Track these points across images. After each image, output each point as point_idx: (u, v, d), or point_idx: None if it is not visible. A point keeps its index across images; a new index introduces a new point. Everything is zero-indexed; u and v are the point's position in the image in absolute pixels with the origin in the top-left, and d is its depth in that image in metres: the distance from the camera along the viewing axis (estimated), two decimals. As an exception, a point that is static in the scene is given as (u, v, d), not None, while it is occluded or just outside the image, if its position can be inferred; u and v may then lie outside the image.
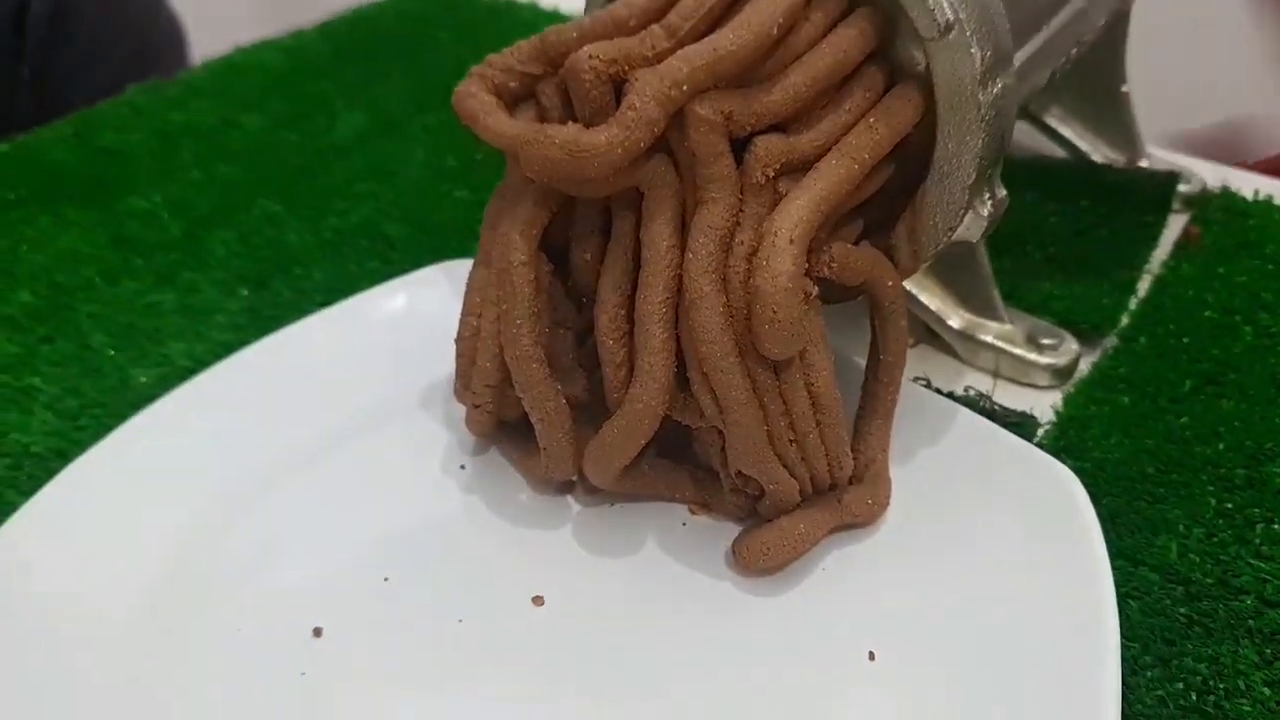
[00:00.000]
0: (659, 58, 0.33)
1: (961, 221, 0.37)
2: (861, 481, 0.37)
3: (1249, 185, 0.57)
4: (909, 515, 0.38)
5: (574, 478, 0.38)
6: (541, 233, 0.36)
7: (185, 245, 0.52)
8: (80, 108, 0.70)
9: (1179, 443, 0.42)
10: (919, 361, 0.47)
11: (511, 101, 0.37)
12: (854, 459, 0.38)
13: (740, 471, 0.35)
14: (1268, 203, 0.56)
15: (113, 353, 0.46)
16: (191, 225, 0.53)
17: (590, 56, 0.33)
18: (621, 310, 0.35)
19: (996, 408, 0.44)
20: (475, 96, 0.36)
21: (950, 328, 0.47)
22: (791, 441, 0.34)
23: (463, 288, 0.39)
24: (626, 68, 0.33)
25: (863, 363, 0.39)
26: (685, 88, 0.32)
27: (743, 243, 0.33)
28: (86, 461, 0.38)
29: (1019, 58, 0.41)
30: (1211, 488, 0.40)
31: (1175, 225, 0.55)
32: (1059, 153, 0.59)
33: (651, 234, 0.34)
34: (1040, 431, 0.43)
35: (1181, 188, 0.57)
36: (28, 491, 0.39)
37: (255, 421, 0.40)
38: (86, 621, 0.34)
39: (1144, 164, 0.58)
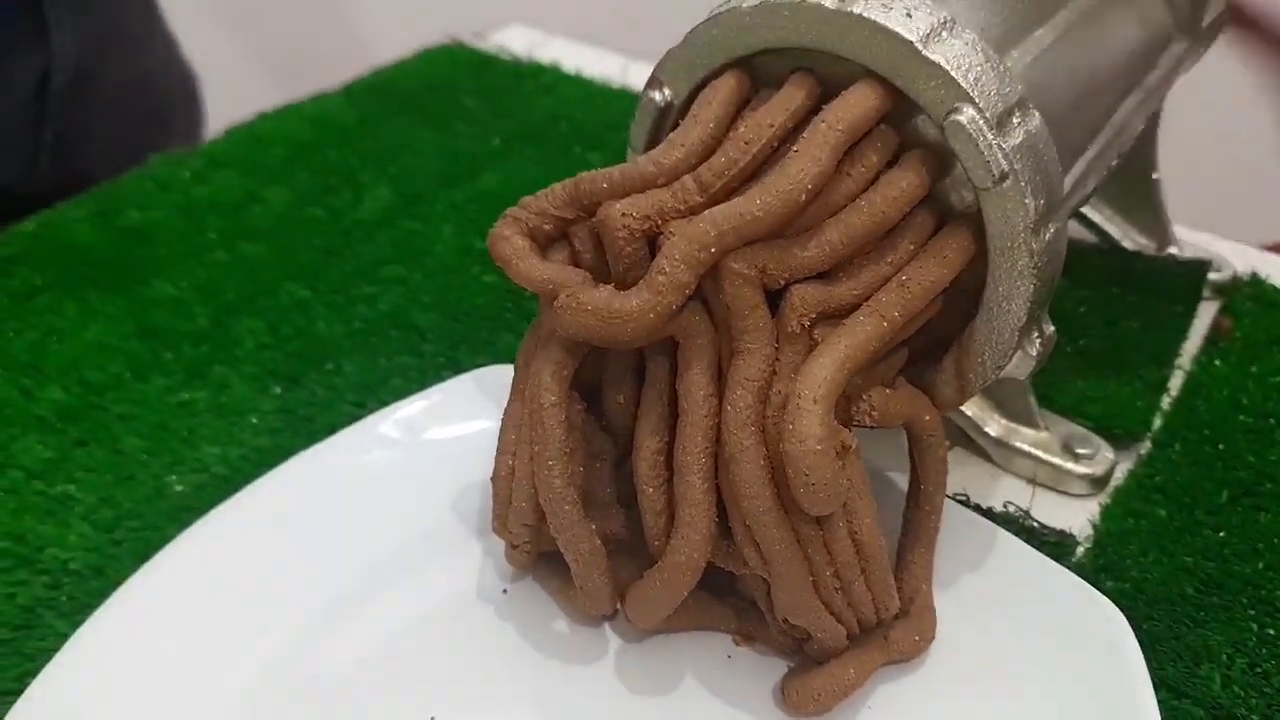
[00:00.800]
0: (691, 211, 0.33)
1: (1010, 360, 0.37)
2: (907, 615, 0.37)
3: (1277, 273, 0.57)
4: (951, 646, 0.38)
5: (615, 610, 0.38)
6: (573, 373, 0.36)
7: (214, 336, 0.52)
8: (99, 165, 0.70)
9: (1218, 560, 0.42)
10: (955, 466, 0.47)
11: (545, 243, 0.37)
12: (899, 589, 0.38)
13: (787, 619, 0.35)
14: (1298, 293, 0.56)
15: (146, 457, 0.45)
16: (219, 313, 0.53)
17: (623, 214, 0.33)
18: (660, 457, 0.35)
19: (1035, 524, 0.44)
20: (509, 240, 0.36)
21: (987, 435, 0.47)
22: (837, 589, 0.34)
23: (492, 396, 0.39)
24: (660, 222, 0.34)
25: (902, 481, 0.39)
26: (714, 250, 0.32)
27: (780, 393, 0.33)
28: (129, 591, 0.37)
29: (1067, 181, 0.41)
30: (1253, 611, 0.41)
31: (1206, 314, 0.55)
32: (1089, 237, 0.59)
33: (688, 384, 0.34)
34: (1079, 550, 0.43)
35: (1212, 275, 0.57)
36: (67, 614, 0.39)
37: (291, 552, 0.39)
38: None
39: (1173, 250, 0.58)
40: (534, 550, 0.37)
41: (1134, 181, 0.57)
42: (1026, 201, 0.34)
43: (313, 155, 0.65)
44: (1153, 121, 0.54)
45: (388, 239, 0.59)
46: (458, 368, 0.50)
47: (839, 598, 0.34)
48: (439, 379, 0.49)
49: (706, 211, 0.33)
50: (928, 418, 0.37)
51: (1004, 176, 0.33)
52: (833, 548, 0.34)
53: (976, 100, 0.33)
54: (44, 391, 0.48)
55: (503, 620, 0.39)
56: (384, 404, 0.47)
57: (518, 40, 0.80)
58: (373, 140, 0.67)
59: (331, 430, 0.45)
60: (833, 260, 0.34)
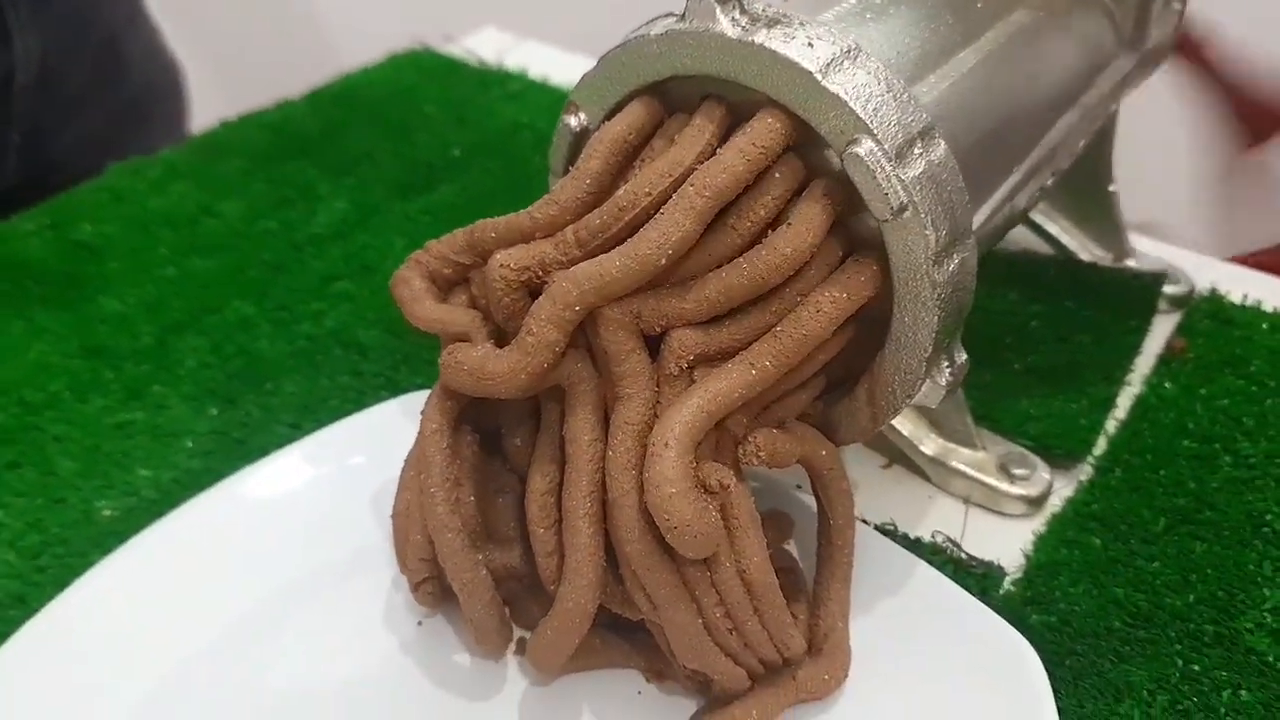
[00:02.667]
0: (572, 263, 0.34)
1: (920, 390, 0.36)
2: (820, 653, 0.37)
3: (1239, 287, 0.56)
4: (863, 682, 0.37)
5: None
6: (463, 405, 0.37)
7: (156, 354, 0.52)
8: (73, 159, 0.70)
9: (1149, 591, 0.42)
10: (892, 484, 0.47)
11: (446, 286, 0.39)
12: (813, 625, 0.38)
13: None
14: (1255, 310, 0.54)
15: (78, 480, 0.46)
16: (163, 331, 0.53)
17: (501, 265, 0.34)
18: (550, 498, 0.35)
19: (963, 555, 0.43)
20: (407, 283, 0.38)
21: (923, 454, 0.46)
22: (731, 630, 0.34)
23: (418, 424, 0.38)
24: (540, 273, 0.34)
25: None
26: (579, 308, 0.33)
27: None
28: (43, 620, 0.37)
29: (986, 208, 0.40)
30: (1179, 646, 0.40)
31: (1162, 327, 0.54)
32: (1045, 248, 0.58)
33: (572, 430, 0.34)
34: (1007, 580, 0.42)
35: (1169, 289, 0.56)
36: (-16, 642, 0.39)
37: (210, 577, 0.39)
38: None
39: (1131, 262, 0.57)
40: (437, 589, 0.37)
41: (1090, 193, 0.56)
42: (927, 233, 0.33)
43: (271, 166, 0.65)
44: (1105, 135, 0.53)
45: (340, 253, 0.58)
46: (396, 389, 0.49)
47: (734, 639, 0.34)
48: (377, 399, 0.49)
49: (570, 270, 0.33)
50: (824, 453, 0.36)
51: (903, 208, 0.33)
52: (721, 589, 0.33)
53: (875, 131, 0.33)
54: (-17, 412, 0.49)
55: (413, 654, 0.39)
56: (321, 425, 0.47)
57: (488, 44, 0.79)
58: (332, 150, 0.67)
59: (264, 453, 0.45)
60: (709, 314, 0.33)
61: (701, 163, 0.34)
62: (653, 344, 0.34)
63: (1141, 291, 0.55)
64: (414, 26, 0.82)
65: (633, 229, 0.33)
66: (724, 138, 0.35)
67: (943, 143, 0.34)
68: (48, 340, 0.52)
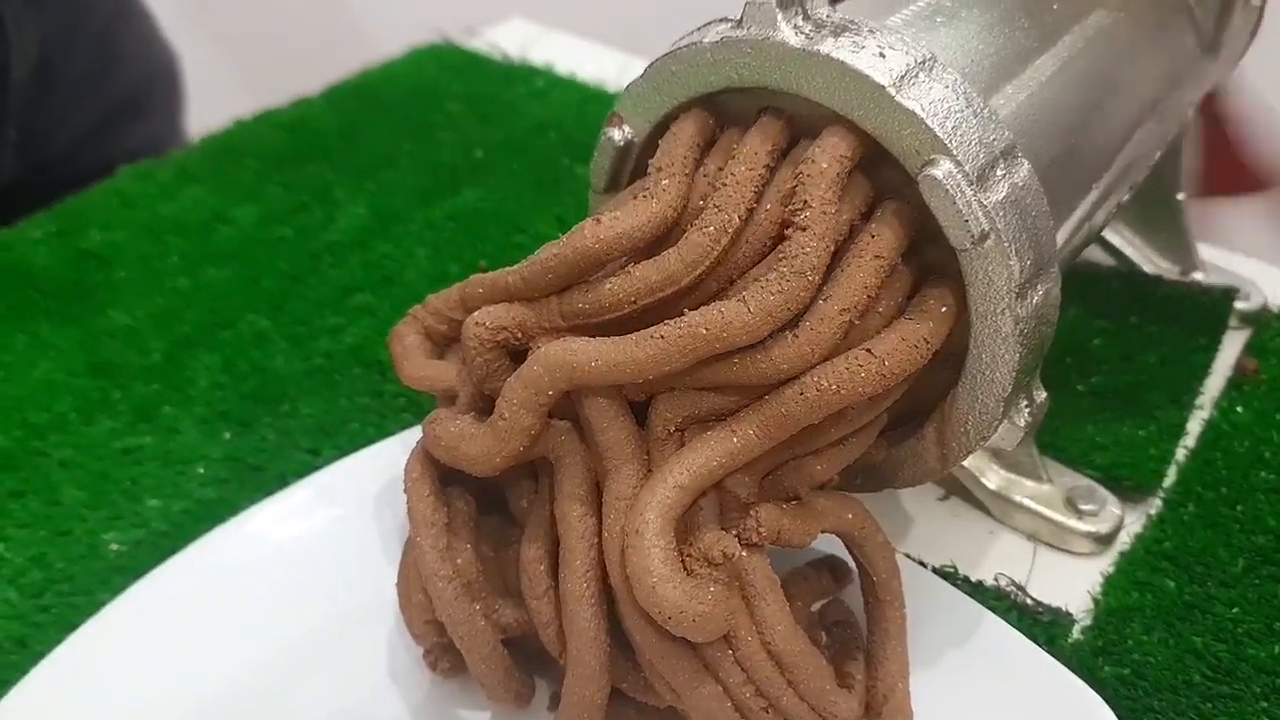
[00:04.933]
0: (555, 331, 0.32)
1: (995, 431, 0.33)
2: (879, 717, 0.34)
3: (1312, 303, 0.53)
4: (929, 744, 0.35)
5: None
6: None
7: (166, 373, 0.49)
8: (68, 154, 0.68)
9: (1230, 641, 0.39)
10: (951, 520, 0.44)
11: (443, 343, 0.39)
12: (871, 687, 0.35)
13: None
14: (1332, 327, 0.51)
15: (85, 511, 0.43)
16: (174, 347, 0.50)
17: (475, 323, 0.33)
18: (541, 566, 0.33)
19: (1029, 601, 0.40)
20: (401, 339, 0.39)
21: (985, 487, 0.43)
22: (766, 709, 0.31)
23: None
24: (519, 334, 0.33)
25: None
26: (550, 392, 0.31)
27: None
28: (45, 670, 0.35)
29: (1068, 224, 0.37)
30: (1265, 703, 0.37)
31: (1231, 346, 0.51)
32: (1107, 259, 0.55)
33: (561, 509, 0.32)
34: (1076, 629, 0.39)
35: (1239, 305, 0.52)
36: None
37: (221, 623, 0.37)
38: None
39: (1198, 275, 0.54)
40: (454, 659, 0.35)
41: (1156, 202, 0.53)
42: (1011, 263, 0.30)
43: (287, 169, 0.62)
44: (1176, 141, 0.50)
45: (359, 263, 0.56)
46: (419, 410, 0.47)
47: (770, 717, 0.31)
48: (399, 421, 0.47)
49: (544, 351, 0.31)
50: (850, 517, 0.33)
51: (984, 236, 0.30)
52: (746, 666, 0.30)
53: (954, 152, 0.30)
54: (-16, 435, 0.46)
55: (432, 707, 0.36)
56: (340, 451, 0.44)
57: (512, 36, 0.76)
58: (351, 152, 0.64)
59: (282, 480, 0.43)
60: (694, 385, 0.31)
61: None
62: (642, 409, 0.32)
63: (1211, 307, 0.52)
64: (434, 16, 0.79)
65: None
66: (783, 154, 0.33)
67: (1026, 163, 0.31)
68: (53, 357, 0.50)
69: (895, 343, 0.31)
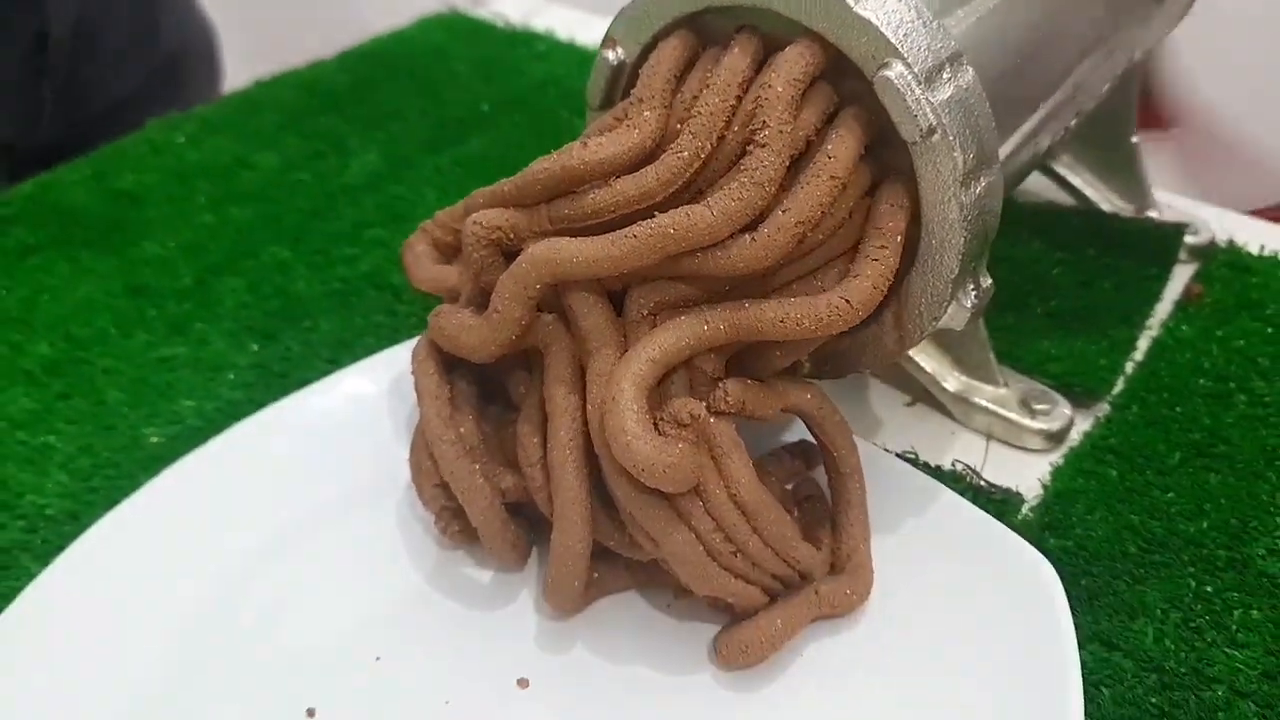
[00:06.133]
0: (543, 235, 0.36)
1: (945, 312, 0.37)
2: (842, 571, 0.38)
3: (1255, 239, 0.57)
4: (887, 600, 0.39)
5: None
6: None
7: (197, 294, 0.53)
8: (105, 122, 0.71)
9: (1164, 519, 0.43)
10: (915, 421, 0.48)
11: (450, 253, 0.44)
12: (836, 547, 0.39)
13: (700, 591, 0.36)
14: (1273, 259, 0.55)
15: (126, 409, 0.47)
16: (203, 273, 0.55)
17: (474, 223, 0.38)
18: (534, 438, 0.38)
19: (983, 483, 0.44)
20: (411, 249, 0.44)
21: (946, 390, 0.47)
22: (734, 553, 0.35)
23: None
24: (511, 235, 0.37)
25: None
26: (539, 286, 0.35)
27: None
28: (93, 537, 0.39)
29: (1012, 141, 0.41)
30: (1192, 569, 0.41)
31: (1181, 277, 0.55)
32: (1068, 199, 0.59)
33: (549, 389, 0.37)
34: (1025, 508, 0.43)
35: (1189, 239, 0.56)
36: (41, 556, 0.41)
37: (253, 498, 0.41)
38: (89, 693, 0.35)
39: (1153, 214, 0.58)
40: (463, 525, 0.39)
41: (1112, 145, 0.57)
42: (955, 155, 0.34)
43: (304, 121, 0.66)
44: (1129, 85, 0.54)
45: (372, 203, 0.60)
46: (430, 326, 0.51)
47: (740, 561, 0.35)
48: (411, 336, 0.51)
49: (533, 250, 0.35)
50: (809, 397, 0.38)
51: (932, 131, 0.34)
52: (716, 515, 0.35)
53: (905, 55, 0.34)
54: (32, 346, 0.50)
55: (454, 571, 0.40)
56: (358, 360, 0.48)
57: (516, 7, 0.81)
58: (363, 106, 0.68)
59: (304, 385, 0.46)
60: (665, 277, 0.36)
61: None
62: (620, 300, 0.36)
63: (1162, 241, 0.56)
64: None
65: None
66: (759, 68, 0.37)
67: (970, 70, 0.35)
68: (93, 281, 0.54)
69: (868, 291, 0.35)
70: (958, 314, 0.38)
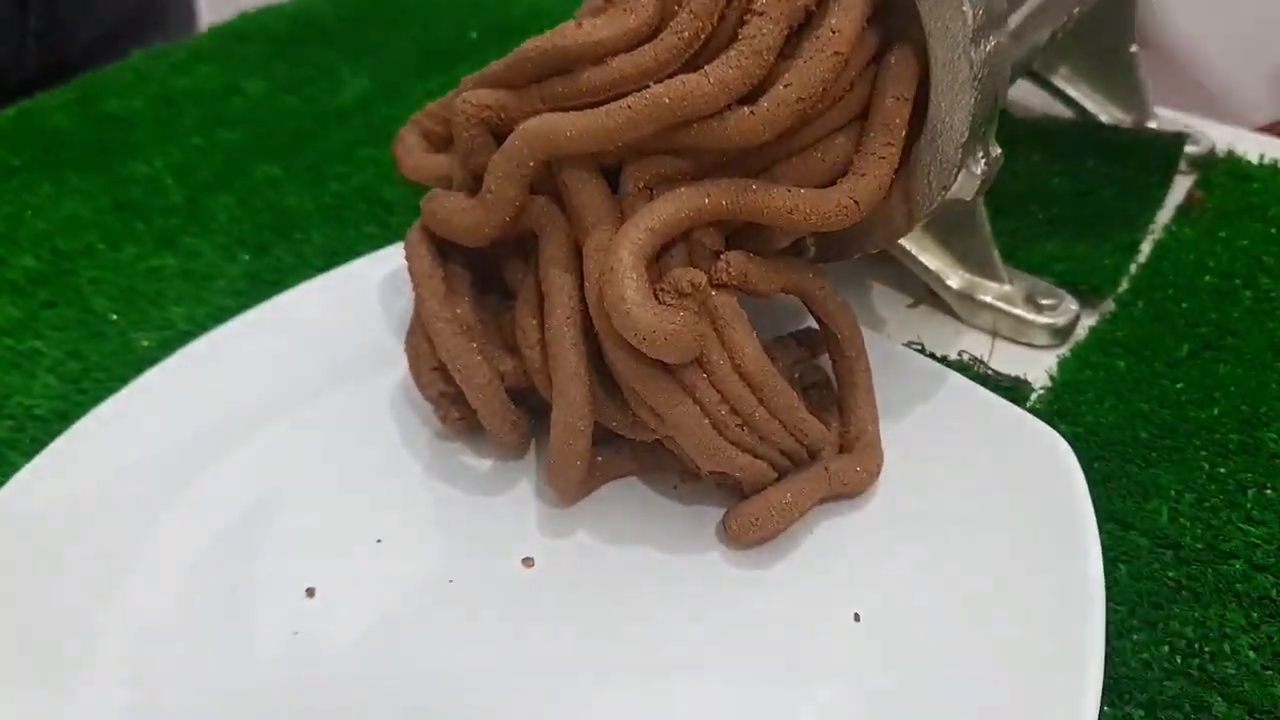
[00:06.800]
0: (534, 113, 0.35)
1: (955, 180, 0.37)
2: (851, 451, 0.38)
3: (1255, 149, 0.56)
4: (898, 481, 0.38)
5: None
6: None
7: (186, 210, 0.52)
8: (87, 56, 0.70)
9: (1174, 407, 0.42)
10: (919, 321, 0.47)
11: (441, 144, 0.42)
12: (844, 430, 0.38)
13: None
14: (1273, 167, 0.55)
15: (115, 316, 0.46)
16: (193, 190, 0.53)
17: (464, 102, 0.37)
18: (533, 320, 0.37)
19: (990, 372, 0.43)
20: (403, 141, 0.43)
21: (949, 287, 0.47)
22: (741, 426, 0.35)
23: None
24: (501, 114, 0.36)
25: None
26: (531, 163, 0.34)
27: None
28: (87, 423, 0.38)
29: (1016, 17, 0.40)
30: (1205, 452, 0.40)
31: (1180, 187, 0.55)
32: (1066, 113, 0.59)
33: (544, 268, 0.36)
34: (1034, 396, 0.43)
35: (1189, 149, 0.56)
36: (30, 454, 0.39)
37: (250, 387, 0.40)
38: (84, 578, 0.34)
39: (1152, 125, 0.58)
40: (462, 412, 0.38)
41: (1111, 55, 0.56)
42: (965, 9, 0.33)
43: (292, 50, 0.65)
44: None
45: (363, 124, 0.59)
46: (424, 236, 0.50)
47: (747, 434, 0.35)
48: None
49: (525, 126, 0.34)
50: (811, 275, 0.37)
51: (941, -14, 0.33)
52: (720, 386, 0.34)
53: (913, -90, 0.33)
54: (16, 259, 0.49)
55: (455, 453, 0.39)
56: (351, 267, 0.47)
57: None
58: (352, 36, 0.67)
59: (298, 291, 0.46)
60: (661, 150, 0.34)
61: None
62: (616, 176, 0.35)
63: (1163, 150, 0.55)
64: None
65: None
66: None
67: (977, -73, 0.35)
68: (78, 199, 0.53)
69: (875, 191, 0.34)
70: (967, 182, 0.37)
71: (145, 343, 0.45)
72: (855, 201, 0.34)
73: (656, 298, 0.33)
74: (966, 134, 0.35)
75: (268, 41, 0.66)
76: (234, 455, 0.38)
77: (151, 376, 0.40)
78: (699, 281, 0.33)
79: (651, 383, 0.34)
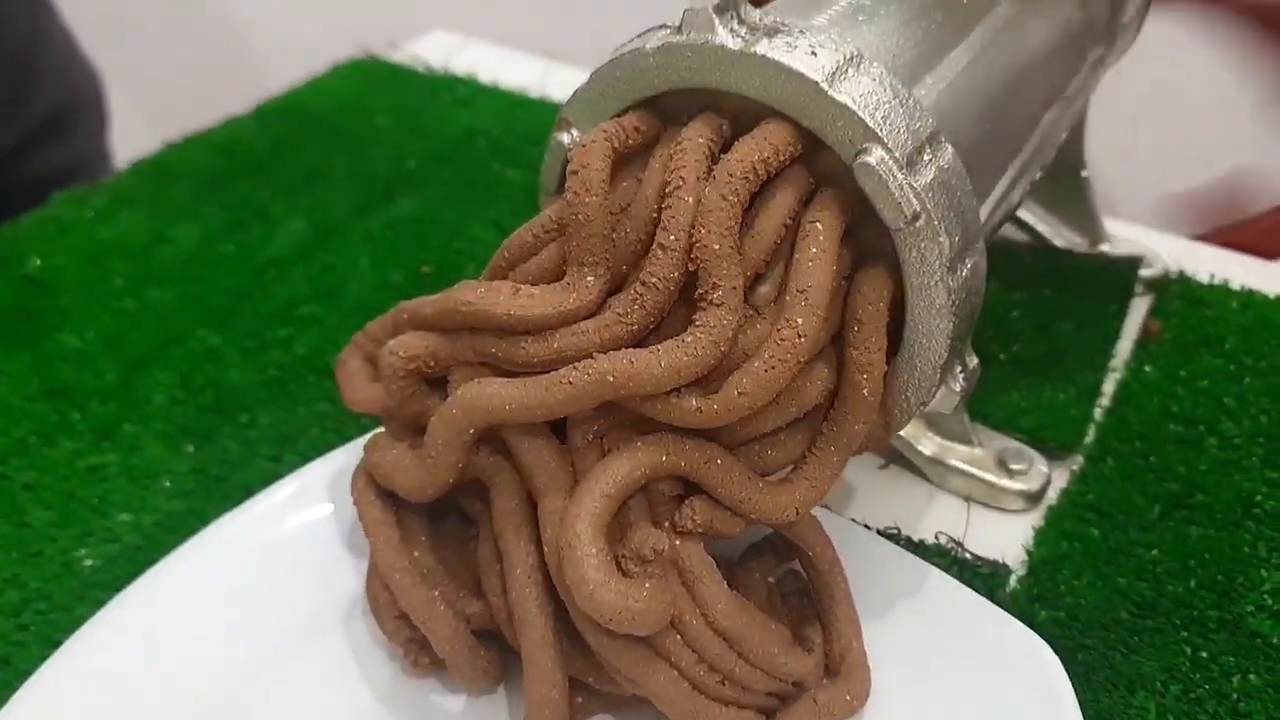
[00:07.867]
0: (467, 364, 0.35)
1: (934, 397, 0.36)
2: (837, 674, 0.37)
3: (1205, 268, 0.57)
4: (886, 694, 0.37)
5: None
6: None
7: (122, 392, 0.50)
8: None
9: (1151, 580, 0.42)
10: (890, 483, 0.47)
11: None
12: (828, 649, 0.37)
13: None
14: (1224, 288, 0.55)
15: (54, 530, 0.44)
16: (127, 367, 0.51)
17: (389, 353, 0.36)
18: (497, 565, 0.35)
19: (968, 556, 0.43)
20: (344, 365, 0.41)
21: (921, 454, 0.46)
22: (720, 682, 0.33)
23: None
24: (432, 363, 0.35)
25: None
26: (472, 430, 0.33)
27: None
28: (32, 689, 0.35)
29: (987, 204, 0.40)
30: (1185, 633, 0.40)
31: (1138, 310, 0.55)
32: (1021, 236, 0.58)
33: (499, 526, 0.35)
34: (1013, 579, 0.42)
35: (1143, 272, 0.56)
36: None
37: (204, 629, 0.38)
38: None
39: (1105, 247, 0.58)
40: (429, 654, 0.37)
41: (1064, 180, 0.56)
42: (941, 239, 0.33)
43: (222, 188, 0.63)
44: (1079, 121, 0.53)
45: (302, 276, 0.57)
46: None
47: (728, 689, 0.33)
48: (357, 425, 0.48)
49: (458, 396, 0.33)
50: (785, 514, 0.35)
51: (916, 216, 0.32)
52: (696, 646, 0.32)
53: (885, 140, 0.32)
54: (-58, 463, 0.46)
55: (418, 700, 0.38)
56: (302, 458, 0.46)
57: (435, 48, 0.78)
58: (284, 168, 0.65)
59: (246, 490, 0.44)
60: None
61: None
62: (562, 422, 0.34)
63: (1118, 276, 0.55)
64: (355, 33, 0.80)
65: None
66: (725, 147, 0.35)
67: (949, 147, 0.34)
68: (6, 382, 0.50)
69: (817, 496, 0.34)
70: (946, 399, 0.36)
71: (89, 562, 0.42)
72: (798, 511, 0.34)
73: (619, 565, 0.32)
74: (945, 355, 0.34)
75: (195, 179, 0.63)
76: (194, 708, 0.36)
77: (94, 627, 0.37)
78: (661, 547, 0.32)
79: (624, 654, 0.32)
